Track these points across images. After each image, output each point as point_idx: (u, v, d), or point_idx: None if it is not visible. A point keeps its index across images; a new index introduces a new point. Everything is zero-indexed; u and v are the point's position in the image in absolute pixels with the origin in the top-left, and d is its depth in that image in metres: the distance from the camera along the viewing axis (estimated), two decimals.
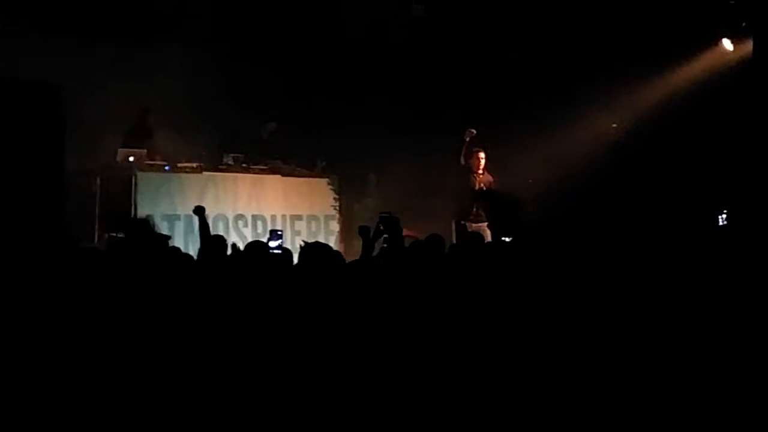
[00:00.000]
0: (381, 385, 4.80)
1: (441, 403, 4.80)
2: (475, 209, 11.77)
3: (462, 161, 11.88)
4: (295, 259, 6.67)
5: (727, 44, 12.66)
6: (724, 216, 11.71)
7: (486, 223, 11.53)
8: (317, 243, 6.88)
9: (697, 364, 5.12)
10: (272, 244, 7.53)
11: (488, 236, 10.79)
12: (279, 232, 7.47)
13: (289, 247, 8.06)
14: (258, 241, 7.35)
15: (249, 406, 4.71)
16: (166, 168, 11.80)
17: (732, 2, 12.14)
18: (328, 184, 13.28)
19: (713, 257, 7.09)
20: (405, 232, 8.53)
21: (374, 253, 7.06)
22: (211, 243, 6.98)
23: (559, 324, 5.33)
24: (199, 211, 8.04)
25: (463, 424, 4.77)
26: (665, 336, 5.36)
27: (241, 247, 6.97)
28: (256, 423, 4.67)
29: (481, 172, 11.94)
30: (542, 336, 5.23)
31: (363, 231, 7.38)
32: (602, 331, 5.39)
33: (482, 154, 11.98)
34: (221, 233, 10.32)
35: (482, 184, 11.88)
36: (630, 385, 4.97)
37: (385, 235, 7.17)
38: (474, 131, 11.79)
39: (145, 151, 11.71)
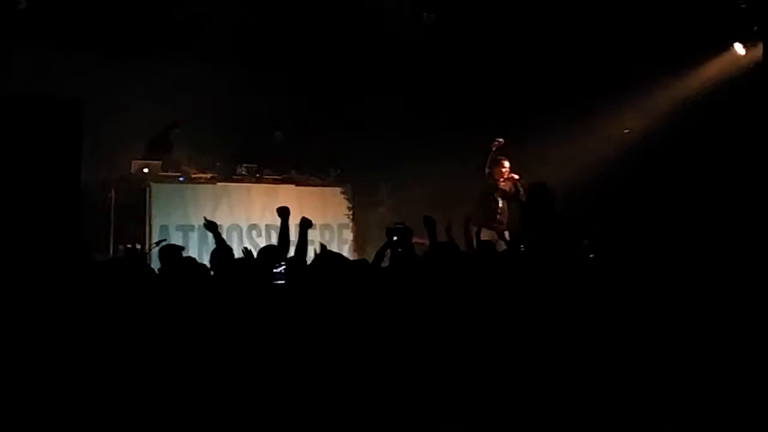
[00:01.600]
0: (388, 392, 4.82)
1: (445, 409, 4.82)
2: (498, 216, 11.77)
3: (487, 170, 11.86)
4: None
5: (739, 48, 12.66)
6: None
7: (507, 232, 11.53)
8: (330, 252, 6.88)
9: (700, 366, 5.13)
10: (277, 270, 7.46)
11: (503, 245, 10.81)
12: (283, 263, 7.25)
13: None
14: (271, 245, 7.33)
15: (262, 412, 4.74)
16: (181, 179, 11.87)
17: (743, 6, 12.13)
18: (342, 193, 13.30)
19: (732, 259, 7.08)
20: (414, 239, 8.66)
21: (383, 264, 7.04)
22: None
23: (567, 330, 5.34)
24: (212, 227, 7.79)
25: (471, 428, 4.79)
26: (684, 339, 5.37)
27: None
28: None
29: (504, 180, 11.92)
30: (548, 341, 5.25)
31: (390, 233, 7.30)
32: (616, 337, 5.40)
33: (507, 163, 11.96)
34: (235, 243, 10.41)
35: (508, 189, 11.83)
36: (642, 390, 4.98)
37: (399, 248, 7.15)
38: (501, 140, 11.77)
39: (160, 162, 11.78)
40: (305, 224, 7.18)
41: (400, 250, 7.03)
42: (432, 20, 13.29)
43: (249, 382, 4.79)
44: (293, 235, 7.15)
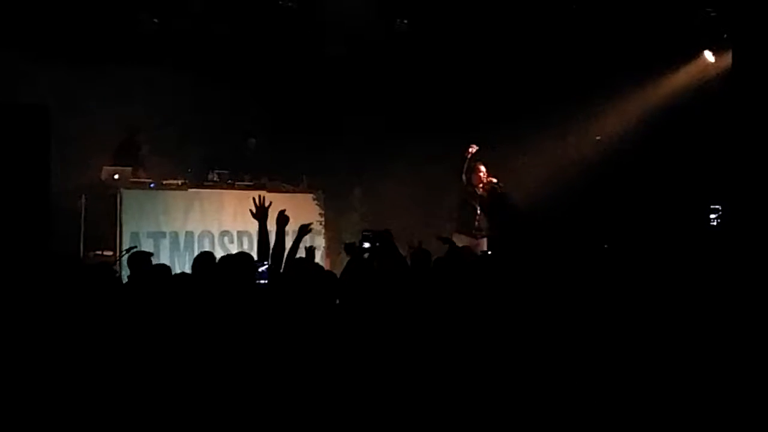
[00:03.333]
0: (371, 400, 4.81)
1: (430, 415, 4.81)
2: (477, 223, 11.78)
3: (464, 177, 11.86)
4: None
5: (708, 56, 12.78)
6: (715, 217, 11.89)
7: (485, 239, 11.54)
8: (302, 259, 6.87)
9: (689, 364, 5.15)
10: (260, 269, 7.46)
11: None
12: (265, 262, 7.25)
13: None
14: (245, 253, 7.31)
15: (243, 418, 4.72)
16: (152, 185, 11.78)
17: (713, 14, 12.23)
18: (314, 199, 13.26)
19: (705, 258, 7.18)
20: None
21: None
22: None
23: (546, 334, 5.35)
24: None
25: None
26: (657, 338, 5.39)
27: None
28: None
29: (481, 186, 11.93)
30: (530, 347, 5.25)
31: (349, 248, 7.35)
32: (594, 337, 5.42)
33: (483, 168, 11.97)
34: (207, 250, 10.34)
35: (486, 194, 11.83)
36: (625, 392, 4.99)
37: (374, 250, 7.14)
38: (475, 147, 11.78)
39: (130, 168, 11.69)
40: (282, 220, 7.20)
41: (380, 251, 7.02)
42: (405, 27, 13.31)
43: (225, 391, 4.76)
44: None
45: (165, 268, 6.69)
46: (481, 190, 11.86)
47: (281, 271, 6.54)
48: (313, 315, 5.34)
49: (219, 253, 10.82)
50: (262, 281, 6.88)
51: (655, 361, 5.20)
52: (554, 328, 5.48)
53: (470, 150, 11.77)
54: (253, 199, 7.37)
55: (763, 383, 5.05)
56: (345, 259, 12.89)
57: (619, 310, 5.72)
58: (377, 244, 7.18)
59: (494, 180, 11.81)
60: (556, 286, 6.08)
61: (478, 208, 11.77)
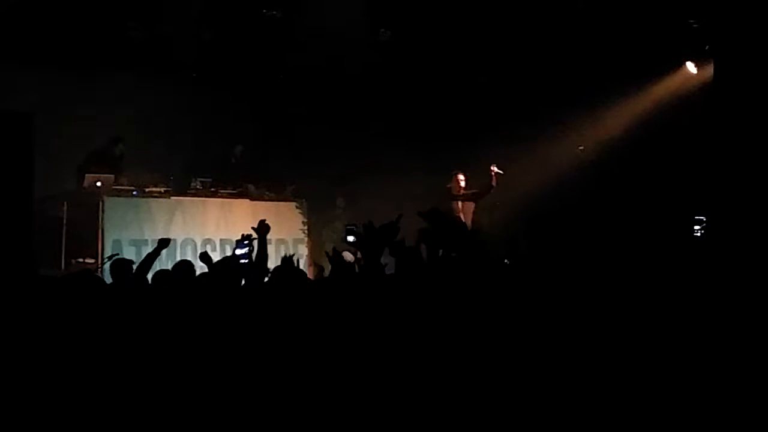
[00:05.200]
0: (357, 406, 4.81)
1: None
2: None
3: (447, 186, 12.02)
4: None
5: (690, 67, 12.86)
6: (699, 228, 11.98)
7: None
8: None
9: (676, 373, 5.17)
10: (239, 251, 7.47)
11: None
12: (245, 242, 7.36)
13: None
14: (229, 257, 7.32)
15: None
16: (134, 193, 11.76)
17: (695, 26, 12.32)
18: (297, 207, 13.27)
19: (689, 269, 7.21)
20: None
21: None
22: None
23: (536, 342, 5.36)
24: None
25: None
26: (641, 346, 5.41)
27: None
28: None
29: (461, 194, 11.97)
30: (515, 354, 5.26)
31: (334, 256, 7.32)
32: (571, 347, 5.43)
33: (461, 176, 12.02)
34: (189, 258, 10.32)
35: (462, 212, 11.93)
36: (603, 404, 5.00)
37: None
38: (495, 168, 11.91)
39: (113, 176, 11.67)
40: (263, 229, 7.21)
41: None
42: (388, 37, 13.35)
43: (210, 399, 4.75)
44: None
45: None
46: (461, 199, 11.93)
47: (264, 278, 6.52)
48: (296, 323, 5.34)
49: (201, 262, 10.88)
50: (243, 260, 7.00)
51: (639, 369, 5.22)
52: (541, 338, 5.49)
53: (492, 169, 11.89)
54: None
55: (748, 391, 5.07)
56: (328, 268, 13.00)
57: (604, 320, 5.74)
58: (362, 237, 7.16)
59: (495, 169, 11.90)
60: (544, 293, 6.09)
61: (461, 215, 11.81)
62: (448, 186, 11.98)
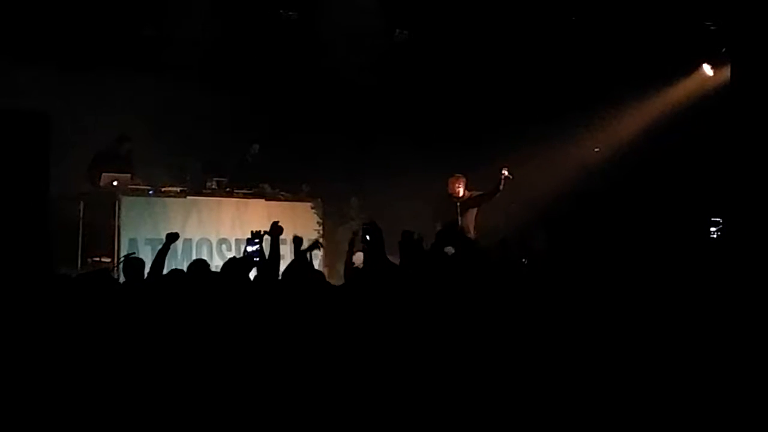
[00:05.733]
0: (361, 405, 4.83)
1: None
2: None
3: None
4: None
5: (707, 69, 12.83)
6: (715, 230, 11.96)
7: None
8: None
9: (686, 374, 5.17)
10: (250, 249, 7.52)
11: None
12: (256, 240, 7.45)
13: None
14: (236, 258, 7.38)
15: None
16: (150, 192, 11.79)
17: (712, 28, 12.29)
18: (312, 207, 13.26)
19: (705, 270, 7.22)
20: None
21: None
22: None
23: (540, 342, 5.37)
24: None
25: None
26: (654, 348, 5.41)
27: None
28: None
29: (462, 196, 11.95)
30: (518, 355, 5.27)
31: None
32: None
33: (462, 179, 11.99)
34: (205, 257, 10.35)
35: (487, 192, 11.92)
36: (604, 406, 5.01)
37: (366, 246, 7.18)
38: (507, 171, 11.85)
39: (129, 175, 11.70)
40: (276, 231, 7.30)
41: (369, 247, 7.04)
42: (404, 37, 13.36)
43: (219, 397, 4.77)
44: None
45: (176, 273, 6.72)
46: (462, 199, 11.92)
47: (278, 278, 6.56)
48: (309, 321, 5.36)
49: (217, 261, 10.94)
50: (255, 258, 7.20)
51: (650, 370, 5.23)
52: (549, 337, 5.50)
53: (503, 173, 11.82)
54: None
55: (758, 392, 5.07)
56: (342, 268, 13.01)
57: (617, 320, 5.74)
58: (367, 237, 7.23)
59: (505, 173, 11.84)
60: (554, 295, 6.10)
61: (459, 218, 11.79)
62: (449, 188, 11.97)
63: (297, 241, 7.69)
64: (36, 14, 11.17)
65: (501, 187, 11.81)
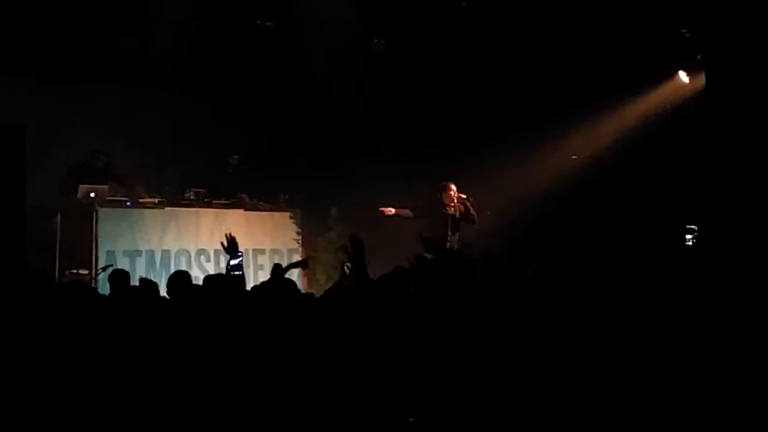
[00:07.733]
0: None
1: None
2: (448, 243, 11.77)
3: (438, 196, 11.94)
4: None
5: (683, 76, 12.92)
6: (691, 237, 12.03)
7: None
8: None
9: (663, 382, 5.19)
10: (233, 262, 7.47)
11: None
12: (239, 253, 7.42)
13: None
14: (217, 275, 7.33)
15: None
16: (128, 204, 11.74)
17: (687, 35, 12.37)
18: (291, 218, 13.25)
19: (680, 278, 7.26)
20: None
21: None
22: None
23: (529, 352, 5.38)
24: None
25: None
26: (630, 356, 5.44)
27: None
28: None
29: (453, 204, 11.93)
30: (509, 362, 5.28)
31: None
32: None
33: (453, 186, 11.97)
34: (184, 268, 10.31)
35: (457, 212, 11.88)
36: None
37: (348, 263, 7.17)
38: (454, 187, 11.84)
39: (107, 187, 11.65)
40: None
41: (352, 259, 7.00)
42: (383, 47, 13.39)
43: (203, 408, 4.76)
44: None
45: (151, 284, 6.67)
46: (452, 209, 11.88)
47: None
48: (289, 332, 5.35)
49: (195, 272, 10.90)
50: (236, 272, 7.18)
51: (627, 377, 5.25)
52: (541, 342, 5.52)
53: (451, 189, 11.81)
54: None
55: (736, 397, 5.10)
56: (323, 277, 13.00)
57: (595, 327, 5.76)
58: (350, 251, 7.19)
59: (463, 197, 11.84)
60: (536, 305, 6.11)
61: (449, 227, 11.78)
62: (439, 196, 11.93)
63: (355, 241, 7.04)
64: (13, 25, 11.11)
65: (472, 212, 11.81)
